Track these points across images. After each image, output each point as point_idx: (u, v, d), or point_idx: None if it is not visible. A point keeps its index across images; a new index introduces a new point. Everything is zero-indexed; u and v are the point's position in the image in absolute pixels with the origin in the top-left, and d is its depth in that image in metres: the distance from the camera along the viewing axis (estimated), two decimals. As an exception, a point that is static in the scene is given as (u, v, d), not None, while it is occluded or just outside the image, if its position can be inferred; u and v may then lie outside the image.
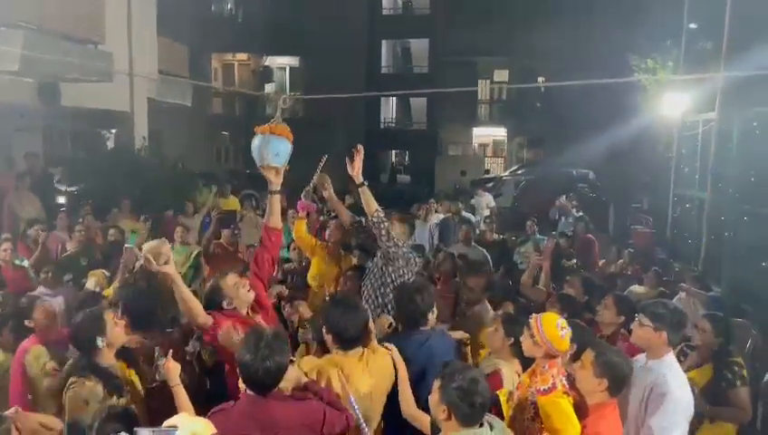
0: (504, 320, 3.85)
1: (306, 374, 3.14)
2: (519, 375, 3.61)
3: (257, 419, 2.77)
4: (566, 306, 4.62)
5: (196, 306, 3.55)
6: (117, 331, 3.38)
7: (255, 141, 3.90)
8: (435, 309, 3.84)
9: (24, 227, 7.72)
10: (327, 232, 5.65)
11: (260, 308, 3.91)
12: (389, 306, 4.38)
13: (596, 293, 5.19)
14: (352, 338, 3.30)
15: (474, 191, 13.60)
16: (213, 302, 3.72)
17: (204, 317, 3.55)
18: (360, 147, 4.52)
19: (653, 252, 10.44)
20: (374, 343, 3.46)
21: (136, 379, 3.56)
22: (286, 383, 2.93)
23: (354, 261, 5.72)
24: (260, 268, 3.96)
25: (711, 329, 4.27)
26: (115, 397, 3.25)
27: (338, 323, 3.29)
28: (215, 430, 2.33)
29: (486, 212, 12.26)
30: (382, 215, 4.42)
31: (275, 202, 4.00)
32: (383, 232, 4.39)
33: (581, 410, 3.16)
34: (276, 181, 3.94)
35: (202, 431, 2.30)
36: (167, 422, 2.32)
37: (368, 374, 3.28)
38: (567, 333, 3.24)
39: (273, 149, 3.86)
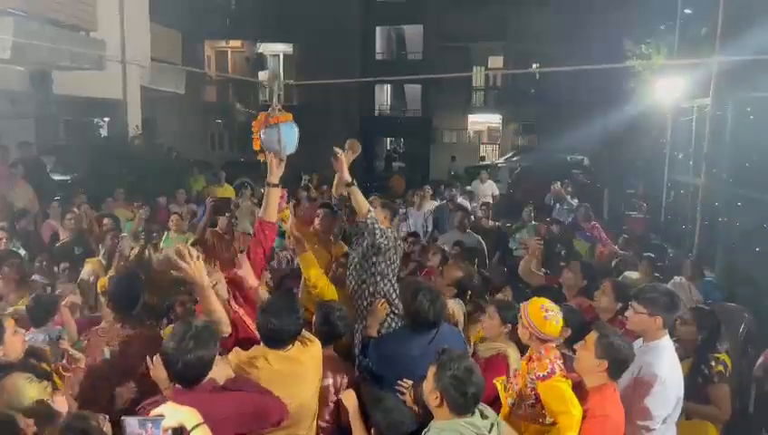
0: (499, 306, 3.87)
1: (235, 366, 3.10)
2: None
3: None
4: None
5: (224, 316, 3.34)
6: (14, 340, 3.23)
7: (266, 135, 3.84)
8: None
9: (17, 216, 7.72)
10: (316, 220, 5.63)
11: (245, 302, 3.82)
12: (380, 295, 4.27)
13: (595, 278, 5.20)
14: (280, 340, 3.21)
15: (479, 176, 13.51)
16: None
17: (227, 328, 3.37)
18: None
19: (647, 238, 10.48)
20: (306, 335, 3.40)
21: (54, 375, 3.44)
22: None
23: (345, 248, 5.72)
24: (252, 262, 3.85)
25: (694, 322, 4.23)
26: (46, 382, 3.12)
27: (266, 325, 3.18)
28: (201, 420, 2.36)
29: (489, 199, 12.28)
30: (374, 215, 4.29)
31: (273, 195, 3.87)
32: (377, 231, 4.28)
33: (580, 391, 3.18)
34: (277, 173, 3.85)
35: (188, 420, 2.34)
36: (154, 411, 2.36)
37: (296, 371, 3.21)
38: (552, 315, 3.28)
39: (289, 139, 3.84)
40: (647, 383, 3.41)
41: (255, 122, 3.91)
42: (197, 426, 2.34)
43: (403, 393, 3.31)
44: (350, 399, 3.33)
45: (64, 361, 3.36)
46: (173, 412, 2.36)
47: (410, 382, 3.30)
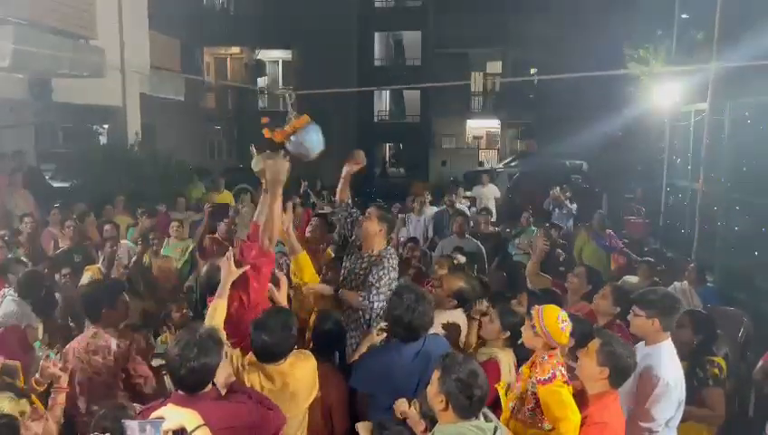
0: (500, 312, 3.87)
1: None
2: (515, 365, 3.65)
3: None
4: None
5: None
6: None
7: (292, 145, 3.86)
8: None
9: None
10: (308, 228, 5.64)
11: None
12: (378, 310, 4.22)
13: (600, 285, 5.22)
14: (272, 356, 3.22)
15: (481, 180, 13.49)
16: (213, 283, 3.57)
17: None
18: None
19: (646, 242, 10.51)
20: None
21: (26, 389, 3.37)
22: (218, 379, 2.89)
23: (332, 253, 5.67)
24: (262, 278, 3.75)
25: (690, 325, 4.22)
26: (25, 400, 3.14)
27: (259, 342, 3.19)
28: (201, 422, 2.38)
29: (492, 203, 12.29)
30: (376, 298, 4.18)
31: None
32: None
33: (582, 399, 3.19)
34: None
35: (189, 422, 2.36)
36: (154, 414, 2.40)
37: (286, 387, 3.20)
38: (567, 326, 3.28)
39: (314, 139, 3.87)
40: (649, 386, 3.43)
41: (277, 134, 3.91)
42: (198, 428, 2.36)
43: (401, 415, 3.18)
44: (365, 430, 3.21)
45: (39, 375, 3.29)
46: (173, 414, 2.38)
47: (404, 400, 3.18)
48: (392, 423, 3.03)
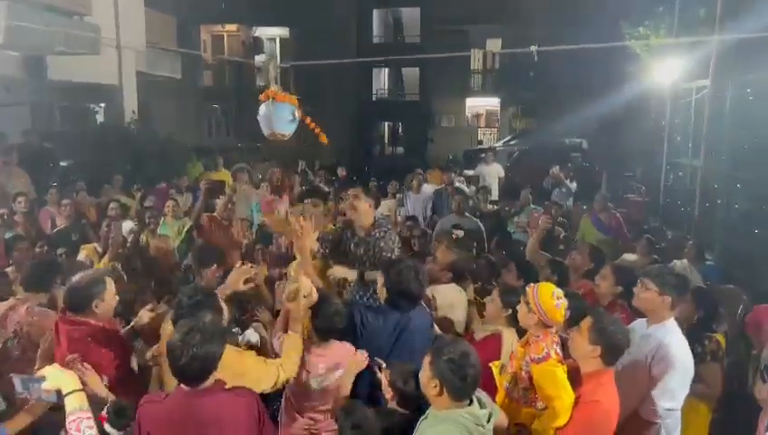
0: (502, 291, 3.85)
1: None
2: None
3: (188, 413, 2.63)
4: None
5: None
6: None
7: (262, 109, 3.89)
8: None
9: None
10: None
11: None
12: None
13: (602, 262, 5.20)
14: None
15: (485, 158, 13.35)
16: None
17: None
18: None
19: (646, 220, 10.48)
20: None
21: None
22: None
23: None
24: None
25: (692, 301, 4.22)
26: None
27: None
28: (79, 386, 2.46)
29: (495, 181, 12.22)
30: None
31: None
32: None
33: (576, 378, 3.17)
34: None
35: (66, 385, 2.44)
36: (39, 372, 2.49)
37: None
38: (562, 303, 3.26)
39: (282, 116, 3.88)
40: (667, 365, 3.43)
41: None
42: (73, 392, 2.42)
43: (379, 370, 3.26)
44: None
45: None
46: (53, 375, 2.45)
47: (383, 364, 3.26)
48: (358, 406, 3.02)
